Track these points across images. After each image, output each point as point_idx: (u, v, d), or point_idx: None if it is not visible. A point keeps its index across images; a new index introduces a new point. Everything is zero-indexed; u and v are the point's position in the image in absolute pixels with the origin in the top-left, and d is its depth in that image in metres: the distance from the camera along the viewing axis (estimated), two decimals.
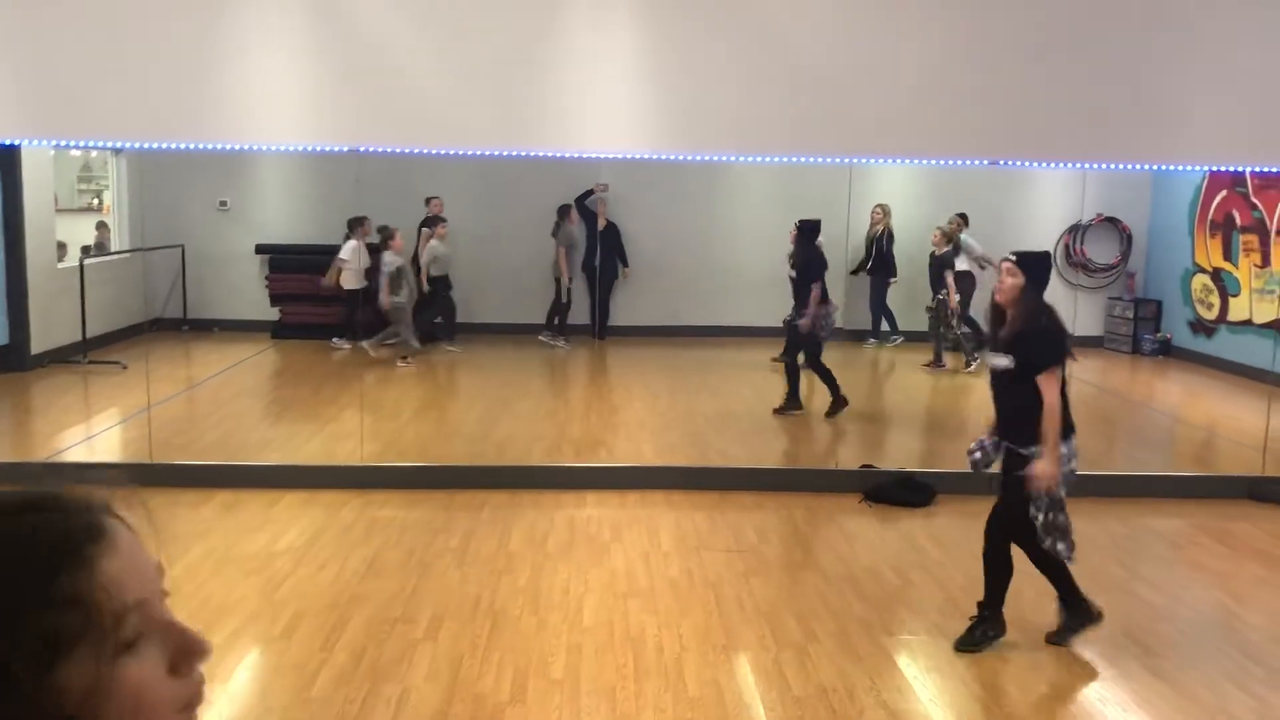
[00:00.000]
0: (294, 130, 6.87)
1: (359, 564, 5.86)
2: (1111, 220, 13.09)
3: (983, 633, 4.97)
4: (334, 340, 11.88)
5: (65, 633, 0.85)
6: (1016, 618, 5.32)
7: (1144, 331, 12.93)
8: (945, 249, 11.38)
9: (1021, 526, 4.88)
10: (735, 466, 7.82)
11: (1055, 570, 4.97)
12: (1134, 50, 6.92)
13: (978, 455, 5.02)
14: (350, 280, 11.45)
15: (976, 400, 10.41)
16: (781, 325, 9.47)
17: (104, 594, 0.87)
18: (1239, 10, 6.91)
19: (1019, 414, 4.84)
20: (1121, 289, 13.29)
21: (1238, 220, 11.68)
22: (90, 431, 8.73)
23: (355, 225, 11.48)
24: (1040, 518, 4.82)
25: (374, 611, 5.22)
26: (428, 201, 12.08)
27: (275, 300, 12.54)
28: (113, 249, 12.26)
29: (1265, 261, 11.25)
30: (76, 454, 7.96)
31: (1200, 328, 12.31)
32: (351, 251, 11.43)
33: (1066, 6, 6.91)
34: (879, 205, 12.31)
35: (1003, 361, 4.88)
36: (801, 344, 9.15)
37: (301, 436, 8.54)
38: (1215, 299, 12.04)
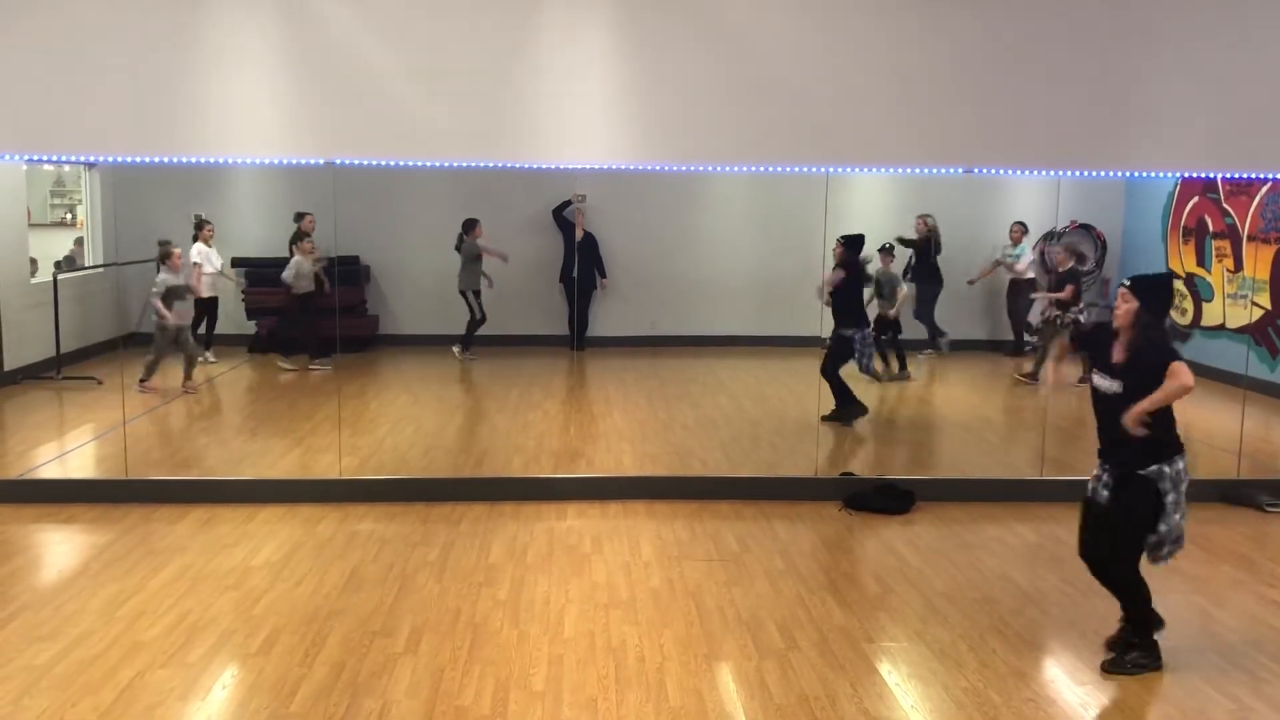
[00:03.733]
0: (269, 143, 6.85)
1: (337, 578, 5.82)
2: (1086, 227, 13.19)
3: (1135, 660, 4.88)
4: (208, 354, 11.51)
5: None
6: (995, 623, 5.34)
7: None
8: (1069, 264, 11.31)
9: (1136, 545, 4.85)
10: (715, 476, 7.82)
11: (1138, 595, 4.89)
12: (1106, 60, 6.99)
13: (1105, 493, 4.90)
14: (204, 288, 11.15)
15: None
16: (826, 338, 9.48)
17: None
18: (1209, 20, 7.00)
19: (1130, 437, 4.78)
20: (1096, 295, 13.37)
21: (1210, 226, 11.79)
22: (65, 448, 8.64)
23: (197, 229, 11.23)
24: (1175, 519, 4.80)
25: (353, 626, 5.18)
26: (300, 217, 11.68)
27: (251, 314, 12.47)
28: (86, 263, 12.16)
29: (1238, 266, 11.36)
30: (51, 470, 7.89)
31: (1174, 333, 12.40)
32: (199, 256, 11.12)
33: (1040, 18, 6.97)
34: (921, 216, 12.16)
35: (1111, 386, 4.85)
36: (835, 354, 9.25)
37: (278, 451, 8.49)
38: (1189, 304, 12.14)
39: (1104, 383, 4.90)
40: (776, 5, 6.94)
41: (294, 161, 6.89)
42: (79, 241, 12.61)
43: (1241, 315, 11.15)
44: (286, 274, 11.33)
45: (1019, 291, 12.35)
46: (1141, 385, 4.71)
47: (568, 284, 13.10)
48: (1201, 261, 11.96)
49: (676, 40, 6.87)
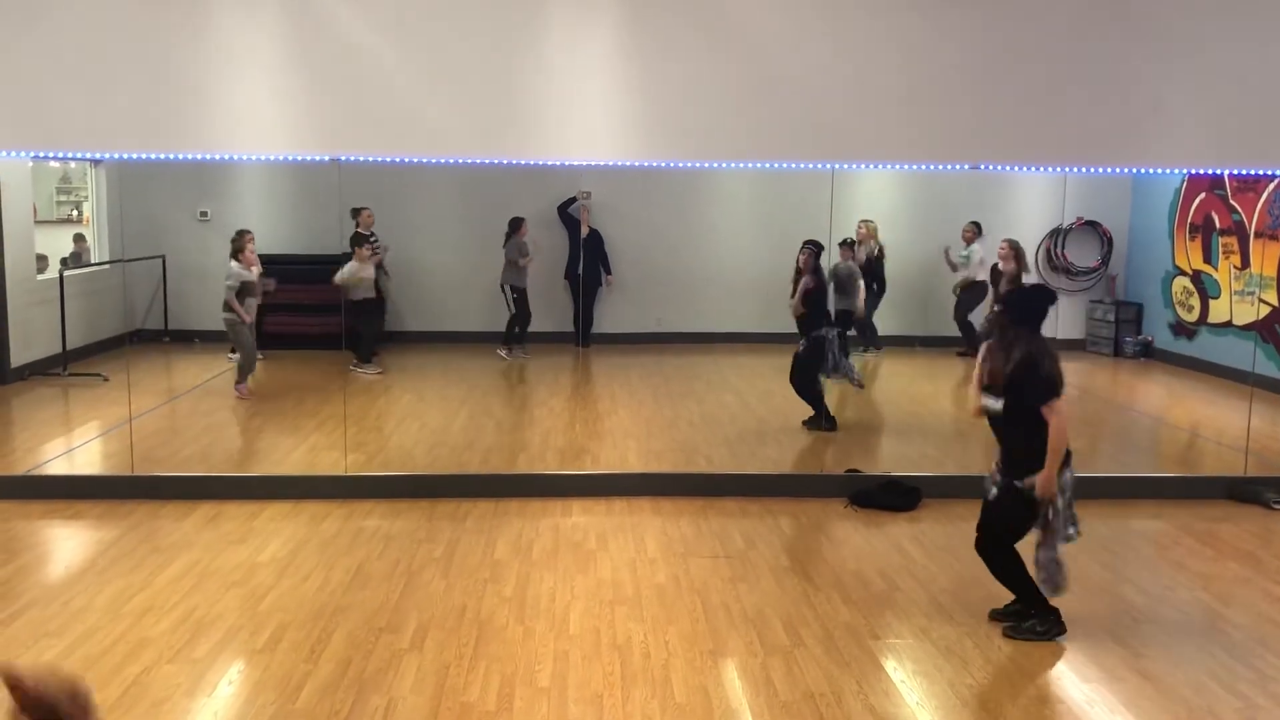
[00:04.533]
0: (274, 140, 6.85)
1: (343, 575, 5.83)
2: (1092, 224, 13.16)
3: (1032, 626, 5.11)
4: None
5: None
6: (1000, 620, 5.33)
7: (1125, 334, 13.00)
8: (1012, 264, 11.18)
9: (1005, 541, 5.11)
10: (721, 473, 7.81)
11: (1014, 580, 5.14)
12: (1113, 56, 6.97)
13: (993, 491, 5.15)
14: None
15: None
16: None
17: None
18: (1215, 16, 6.97)
19: (1013, 450, 5.02)
20: (1103, 292, 13.35)
21: (1217, 223, 11.76)
22: (71, 444, 8.66)
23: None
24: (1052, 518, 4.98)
25: (359, 622, 5.19)
26: (357, 213, 11.29)
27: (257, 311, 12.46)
28: (92, 260, 12.18)
29: (1244, 263, 11.33)
30: (57, 467, 7.90)
31: (1181, 330, 12.38)
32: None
33: (1045, 15, 6.95)
34: (863, 221, 12.12)
35: (993, 404, 5.01)
36: (802, 363, 9.11)
37: (284, 448, 8.50)
38: (1195, 301, 12.12)
39: (988, 402, 5.05)
40: (781, 2, 6.93)
41: (299, 158, 6.90)
42: (78, 238, 12.63)
43: (1248, 312, 11.12)
44: (341, 276, 10.79)
45: (968, 292, 12.18)
46: (1021, 400, 4.88)
47: (573, 281, 13.08)
48: (1208, 258, 11.93)
49: (681, 37, 6.86)
